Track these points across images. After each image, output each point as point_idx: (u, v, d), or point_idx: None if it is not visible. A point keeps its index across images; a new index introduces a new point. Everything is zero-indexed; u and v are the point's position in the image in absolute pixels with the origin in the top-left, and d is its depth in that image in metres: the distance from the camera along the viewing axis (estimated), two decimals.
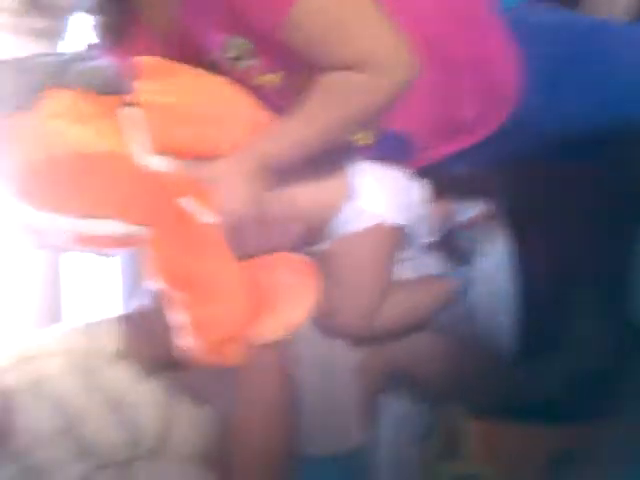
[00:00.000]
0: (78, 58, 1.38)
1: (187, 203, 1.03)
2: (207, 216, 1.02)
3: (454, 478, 1.18)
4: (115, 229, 1.00)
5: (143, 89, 1.04)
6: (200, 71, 1.08)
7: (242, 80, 1.08)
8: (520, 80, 1.11)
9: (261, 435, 1.06)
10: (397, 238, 1.21)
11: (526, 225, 1.35)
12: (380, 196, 1.18)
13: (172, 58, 1.09)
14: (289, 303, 1.08)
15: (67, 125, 1.00)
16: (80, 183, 0.99)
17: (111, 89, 1.07)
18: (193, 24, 1.03)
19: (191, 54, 1.08)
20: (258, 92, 1.10)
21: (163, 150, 1.04)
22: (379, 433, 1.28)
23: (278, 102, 1.10)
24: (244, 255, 1.07)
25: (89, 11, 1.09)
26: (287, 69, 1.06)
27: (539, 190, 1.32)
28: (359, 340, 1.24)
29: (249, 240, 1.07)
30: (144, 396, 1.10)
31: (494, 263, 1.36)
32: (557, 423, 1.16)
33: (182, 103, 1.05)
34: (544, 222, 1.34)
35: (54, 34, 1.44)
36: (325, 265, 1.19)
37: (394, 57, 0.99)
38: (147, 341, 1.13)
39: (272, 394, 1.07)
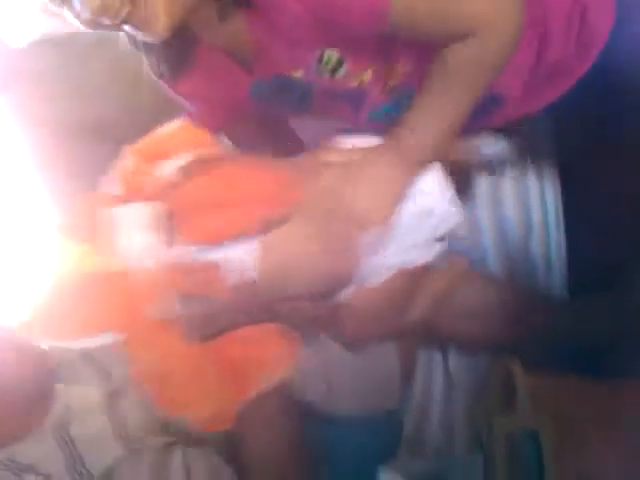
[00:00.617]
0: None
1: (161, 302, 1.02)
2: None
3: (508, 433, 1.17)
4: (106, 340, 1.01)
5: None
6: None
7: (338, 87, 1.09)
8: (613, 24, 1.08)
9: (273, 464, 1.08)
10: (421, 273, 1.15)
11: (577, 170, 1.32)
12: (404, 247, 1.10)
13: (243, 75, 1.10)
14: (264, 373, 1.06)
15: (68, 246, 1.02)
16: (78, 307, 1.00)
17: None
18: (273, 45, 1.02)
19: (268, 70, 1.08)
20: (356, 94, 1.10)
21: (186, 239, 1.03)
22: (430, 389, 1.29)
23: (375, 99, 1.10)
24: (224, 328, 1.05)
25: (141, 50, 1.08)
26: (375, 63, 1.06)
27: (592, 137, 1.28)
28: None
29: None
30: None
31: (546, 211, 1.34)
32: (614, 376, 1.14)
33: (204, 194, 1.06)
34: (597, 167, 1.30)
35: None
36: (340, 313, 1.13)
37: (502, 11, 0.96)
38: None
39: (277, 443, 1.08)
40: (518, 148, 1.31)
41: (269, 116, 1.27)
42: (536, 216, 1.32)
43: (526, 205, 1.33)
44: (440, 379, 1.29)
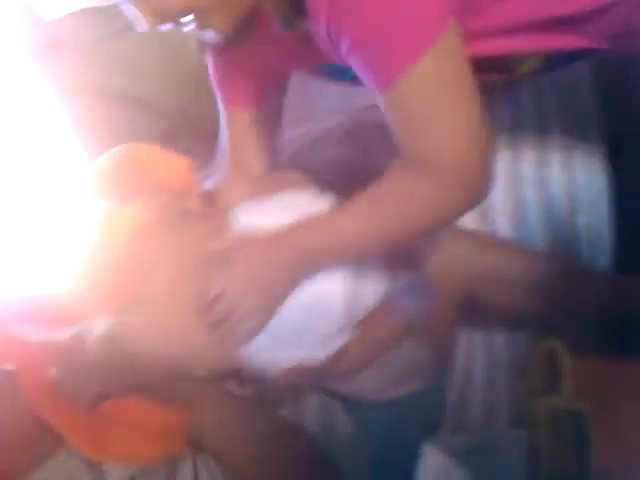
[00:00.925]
0: None
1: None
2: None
3: (552, 412, 1.17)
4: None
5: None
6: None
7: None
8: None
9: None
10: None
11: (626, 146, 1.30)
12: (295, 343, 1.05)
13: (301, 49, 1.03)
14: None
15: None
16: None
17: None
18: (325, 50, 0.96)
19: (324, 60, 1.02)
20: None
21: None
22: (472, 366, 1.29)
23: None
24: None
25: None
26: None
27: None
28: None
29: None
30: None
31: (593, 187, 1.32)
32: None
33: None
34: None
35: None
36: None
37: (466, 165, 0.88)
38: None
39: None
40: (566, 123, 1.29)
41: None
42: (583, 192, 1.30)
43: (573, 181, 1.31)
44: (482, 357, 1.29)
